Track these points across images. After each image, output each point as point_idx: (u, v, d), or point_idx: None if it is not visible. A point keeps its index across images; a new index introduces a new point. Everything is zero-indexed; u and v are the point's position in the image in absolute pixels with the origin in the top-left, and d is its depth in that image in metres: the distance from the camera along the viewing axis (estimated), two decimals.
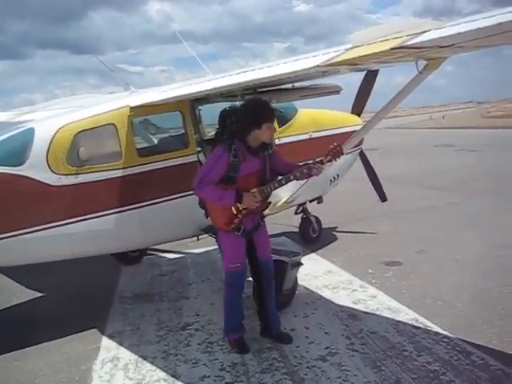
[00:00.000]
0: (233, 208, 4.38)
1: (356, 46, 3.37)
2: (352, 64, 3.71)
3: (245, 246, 4.62)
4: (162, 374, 4.38)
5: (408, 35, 3.04)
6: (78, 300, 6.38)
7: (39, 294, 6.66)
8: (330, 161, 4.42)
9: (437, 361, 4.25)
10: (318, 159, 4.44)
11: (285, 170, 4.54)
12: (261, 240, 4.73)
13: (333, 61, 3.35)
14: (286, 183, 4.46)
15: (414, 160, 18.33)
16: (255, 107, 4.42)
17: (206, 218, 4.75)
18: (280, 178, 4.47)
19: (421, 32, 2.98)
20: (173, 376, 4.33)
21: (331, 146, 4.42)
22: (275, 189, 4.47)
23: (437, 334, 4.75)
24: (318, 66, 3.42)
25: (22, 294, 6.64)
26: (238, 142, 4.39)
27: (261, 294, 4.83)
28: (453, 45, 3.14)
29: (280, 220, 8.97)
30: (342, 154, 4.45)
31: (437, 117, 55.56)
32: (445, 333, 4.74)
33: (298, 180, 4.60)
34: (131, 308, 6.00)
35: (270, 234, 8.66)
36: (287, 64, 3.91)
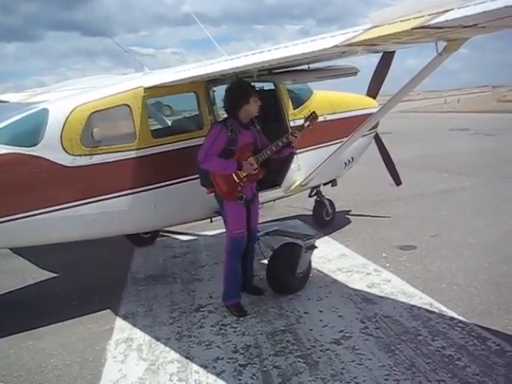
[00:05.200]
0: (234, 176, 4.87)
1: (376, 26, 3.29)
2: (371, 44, 3.63)
3: (245, 214, 5.09)
4: (176, 356, 4.40)
5: (430, 15, 2.96)
6: (91, 281, 6.42)
7: (53, 275, 6.72)
8: (308, 126, 5.01)
9: (452, 346, 4.22)
10: (297, 126, 5.13)
11: (266, 147, 5.06)
12: (254, 211, 5.26)
13: (352, 41, 3.27)
14: (276, 150, 4.97)
15: (428, 144, 18.13)
16: (241, 86, 5.00)
17: (211, 193, 5.11)
18: (270, 146, 4.98)
19: (443, 11, 2.89)
20: (186, 357, 4.35)
21: (307, 114, 5.08)
22: (268, 156, 4.98)
23: (452, 318, 4.71)
24: (336, 46, 3.34)
25: (36, 275, 6.70)
26: (231, 119, 4.96)
27: (244, 255, 5.23)
28: (476, 25, 3.05)
29: (294, 203, 8.98)
30: (317, 117, 5.07)
31: (451, 101, 54.82)
32: (460, 318, 4.71)
33: (279, 148, 5.01)
34: (144, 289, 6.03)
35: (283, 216, 8.79)
36: (305, 44, 3.84)
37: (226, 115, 5.12)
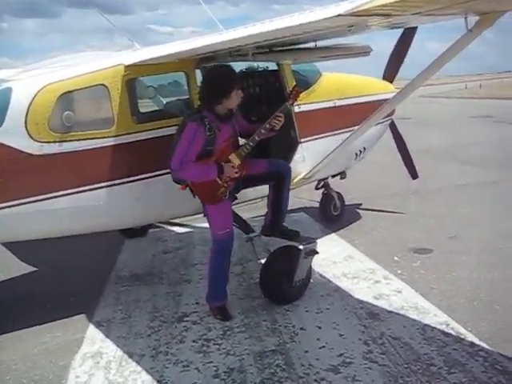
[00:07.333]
0: (218, 180, 4.34)
1: None
2: (385, 14, 2.90)
3: (231, 208, 4.66)
4: (147, 378, 3.79)
5: None
6: (71, 279, 5.84)
7: (33, 269, 6.16)
8: (292, 104, 4.57)
9: (471, 382, 3.51)
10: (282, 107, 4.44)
11: (245, 130, 4.60)
12: (253, 171, 4.68)
13: (360, 8, 2.56)
14: (259, 139, 4.42)
15: (448, 132, 17.16)
16: (221, 77, 4.30)
17: (194, 197, 4.57)
18: (252, 136, 4.41)
19: None
20: (158, 381, 3.74)
21: (290, 90, 4.64)
22: (251, 148, 4.44)
23: (472, 344, 3.98)
24: (340, 15, 2.63)
25: (18, 269, 6.12)
26: (207, 112, 4.29)
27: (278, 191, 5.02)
28: None
29: (301, 193, 8.26)
30: (300, 92, 4.66)
31: (473, 86, 53.21)
32: (481, 344, 3.96)
33: (262, 136, 4.46)
34: (126, 291, 5.43)
35: (289, 209, 8.10)
36: (303, 15, 3.12)
37: None
